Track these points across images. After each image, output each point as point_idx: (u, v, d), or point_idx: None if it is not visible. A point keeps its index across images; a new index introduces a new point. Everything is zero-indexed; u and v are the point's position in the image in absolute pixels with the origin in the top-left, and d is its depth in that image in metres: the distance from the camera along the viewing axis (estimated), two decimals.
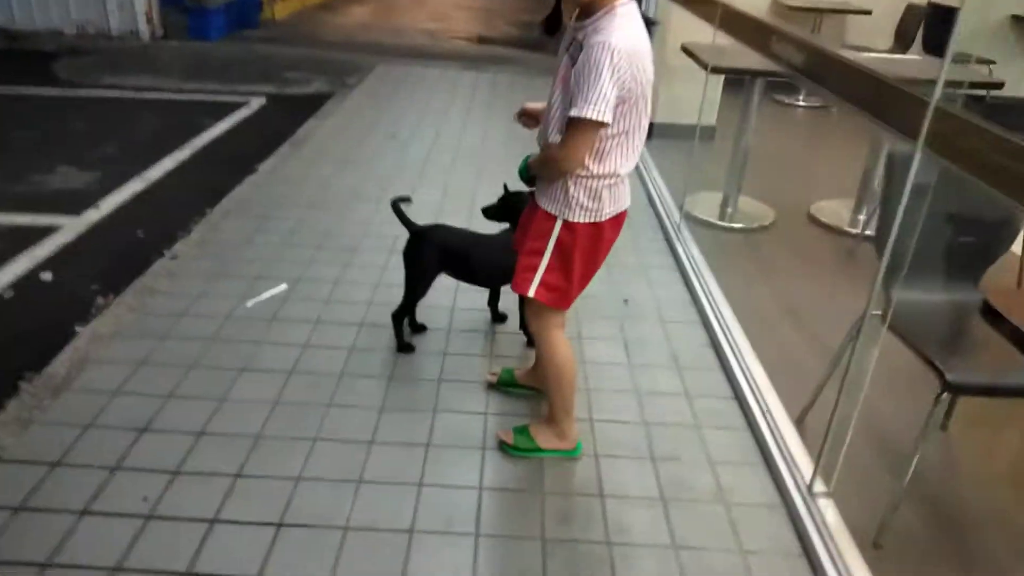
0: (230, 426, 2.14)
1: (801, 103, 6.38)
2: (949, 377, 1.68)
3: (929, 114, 1.51)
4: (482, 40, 9.13)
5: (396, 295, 2.84)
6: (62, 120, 5.10)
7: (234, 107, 5.62)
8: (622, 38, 1.60)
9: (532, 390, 2.33)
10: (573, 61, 1.65)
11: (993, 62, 5.73)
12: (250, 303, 2.77)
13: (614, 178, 1.78)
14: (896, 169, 1.91)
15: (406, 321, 2.57)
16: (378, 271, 3.07)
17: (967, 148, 1.46)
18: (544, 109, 1.87)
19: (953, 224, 1.94)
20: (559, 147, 1.72)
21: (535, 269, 1.86)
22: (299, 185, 3.97)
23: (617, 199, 1.83)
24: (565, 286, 1.88)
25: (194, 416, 2.17)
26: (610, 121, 1.64)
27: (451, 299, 2.87)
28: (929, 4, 5.84)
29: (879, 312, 2.00)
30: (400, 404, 2.28)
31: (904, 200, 1.62)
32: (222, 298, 2.80)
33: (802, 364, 2.69)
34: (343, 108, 5.54)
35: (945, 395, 1.70)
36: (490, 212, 2.43)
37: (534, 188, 1.95)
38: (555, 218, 1.82)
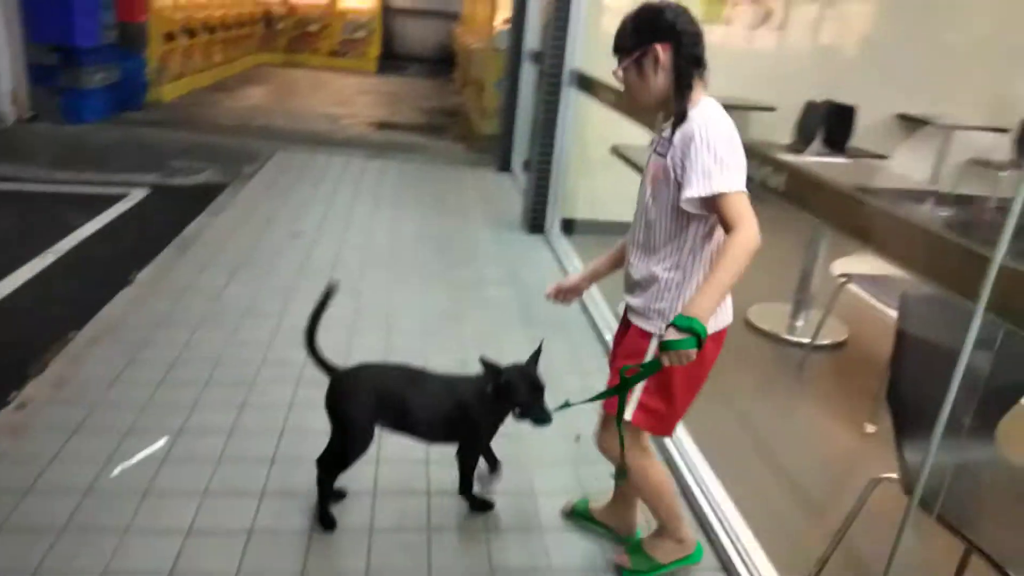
0: None
1: None
2: None
3: (993, 273, 1.25)
4: (388, 126, 8.87)
5: (307, 446, 2.35)
6: None
7: (111, 200, 4.99)
8: (718, 116, 1.59)
9: (607, 529, 2.12)
10: (659, 155, 1.64)
11: (886, 156, 6.01)
12: (117, 470, 2.19)
13: None
14: (912, 315, 1.66)
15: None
16: (282, 412, 2.56)
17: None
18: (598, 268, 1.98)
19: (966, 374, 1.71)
20: (735, 228, 1.49)
21: (631, 390, 1.70)
22: (184, 299, 3.41)
23: (722, 311, 1.70)
24: (666, 411, 1.75)
25: None
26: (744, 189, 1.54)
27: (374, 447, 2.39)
28: (827, 102, 6.07)
29: (892, 476, 1.72)
30: None
31: (961, 368, 1.34)
32: (81, 463, 2.21)
33: (784, 513, 2.38)
34: (238, 201, 5.03)
35: None
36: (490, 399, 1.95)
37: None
38: (650, 335, 1.69)
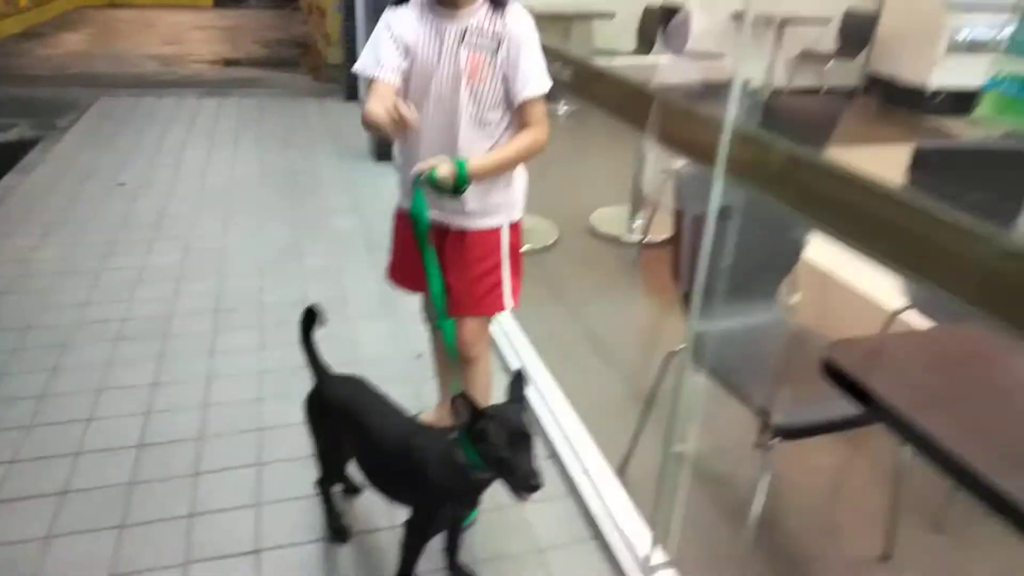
0: None
1: (563, 106, 6.43)
2: (777, 423, 1.52)
3: (725, 138, 1.31)
4: (226, 62, 8.29)
5: (127, 401, 2.26)
6: None
7: None
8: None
9: None
10: (481, 49, 1.57)
11: (723, 55, 6.22)
12: None
13: None
14: (686, 190, 1.73)
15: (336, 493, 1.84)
16: (98, 372, 2.41)
17: (766, 170, 1.28)
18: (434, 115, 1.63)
19: (746, 243, 1.81)
20: (537, 128, 1.62)
21: (500, 283, 1.77)
22: None
23: (520, 205, 1.82)
24: (518, 284, 1.83)
25: None
26: None
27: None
28: (662, 7, 6.15)
29: (686, 346, 1.82)
30: None
31: (709, 237, 1.41)
32: None
33: (614, 398, 2.50)
34: (53, 156, 4.60)
35: (775, 439, 1.53)
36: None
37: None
38: (498, 229, 1.74)
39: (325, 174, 4.53)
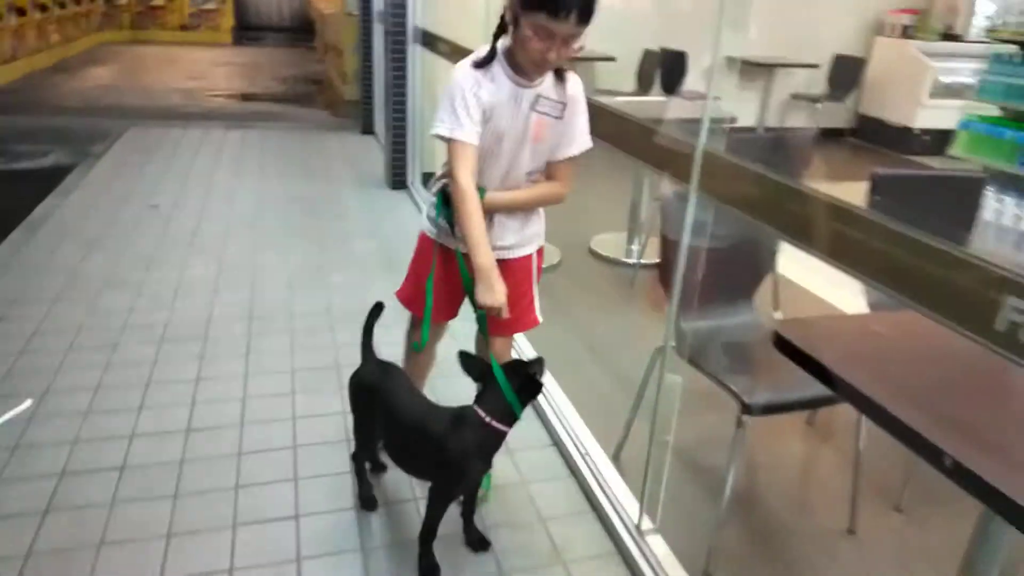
0: None
1: None
2: (748, 401, 1.77)
3: (698, 159, 1.59)
4: (246, 97, 8.71)
5: (172, 392, 2.52)
6: None
7: None
8: None
9: None
10: (547, 115, 1.74)
11: (719, 98, 6.57)
12: None
13: None
14: (670, 211, 2.01)
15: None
16: (146, 368, 2.68)
17: (731, 186, 1.56)
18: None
19: (726, 253, 2.09)
20: (563, 184, 1.85)
21: (533, 301, 2.00)
22: (38, 276, 3.41)
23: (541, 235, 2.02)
24: None
25: None
26: None
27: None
28: (662, 50, 6.53)
29: (674, 345, 2.09)
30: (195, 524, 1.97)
31: (685, 243, 1.69)
32: None
33: (610, 398, 2.75)
34: (89, 181, 4.93)
35: (746, 417, 1.79)
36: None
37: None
38: (531, 255, 1.95)
39: (345, 201, 4.85)
